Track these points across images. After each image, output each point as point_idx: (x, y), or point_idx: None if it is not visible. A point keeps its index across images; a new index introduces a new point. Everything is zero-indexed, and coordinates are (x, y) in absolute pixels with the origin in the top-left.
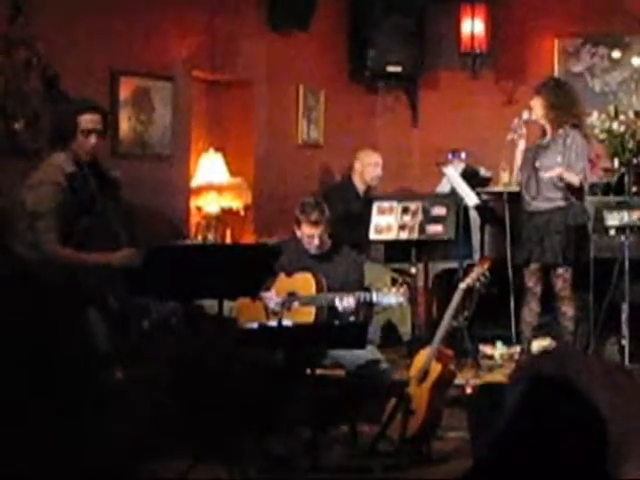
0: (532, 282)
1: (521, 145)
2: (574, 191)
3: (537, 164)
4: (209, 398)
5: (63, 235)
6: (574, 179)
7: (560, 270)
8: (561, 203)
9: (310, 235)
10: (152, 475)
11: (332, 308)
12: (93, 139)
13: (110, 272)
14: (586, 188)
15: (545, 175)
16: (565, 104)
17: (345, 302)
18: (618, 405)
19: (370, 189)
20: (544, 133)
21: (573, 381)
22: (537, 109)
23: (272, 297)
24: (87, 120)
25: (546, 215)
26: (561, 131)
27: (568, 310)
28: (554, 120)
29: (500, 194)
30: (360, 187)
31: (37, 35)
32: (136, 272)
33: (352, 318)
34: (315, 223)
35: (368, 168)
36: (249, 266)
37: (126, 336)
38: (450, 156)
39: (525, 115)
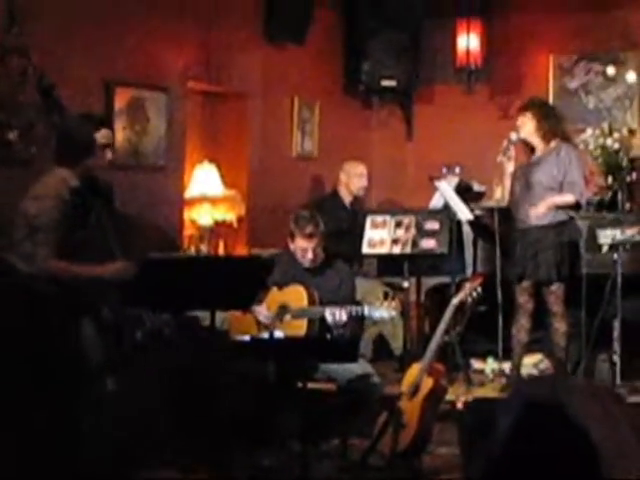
0: (523, 299)
1: (510, 167)
2: (568, 207)
3: (532, 179)
4: (200, 410)
5: (59, 247)
6: (569, 199)
7: (553, 286)
8: (555, 219)
9: (304, 248)
10: None
11: (324, 321)
12: (109, 154)
13: (103, 283)
14: (583, 203)
15: (532, 214)
16: (553, 117)
17: (337, 316)
18: (609, 431)
19: (357, 200)
20: (532, 152)
21: (565, 407)
22: (526, 126)
23: (263, 312)
24: (103, 135)
25: (541, 231)
26: (553, 144)
27: (560, 326)
28: (545, 134)
29: (493, 209)
30: (346, 198)
31: (32, 45)
32: (130, 283)
33: (342, 332)
34: (309, 236)
35: (354, 179)
36: (242, 279)
37: (119, 347)
38: (444, 170)
39: (513, 136)
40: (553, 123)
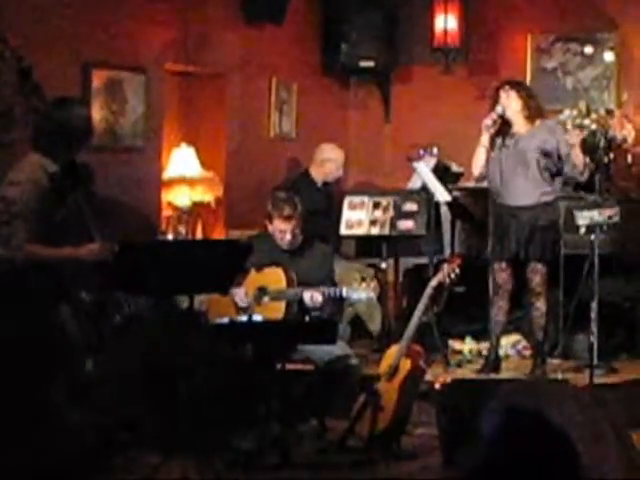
0: (502, 280)
1: (484, 140)
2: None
3: (525, 156)
4: (178, 393)
5: (36, 232)
6: (581, 161)
7: (539, 265)
8: (547, 198)
9: (282, 230)
10: (121, 472)
11: (302, 303)
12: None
13: (82, 266)
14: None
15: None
16: (535, 97)
17: (314, 298)
18: (591, 438)
19: (327, 182)
20: (506, 130)
21: (547, 413)
22: (513, 103)
23: (241, 296)
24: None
25: (535, 210)
26: (537, 122)
27: (542, 306)
28: (533, 111)
29: (471, 190)
30: (318, 179)
31: (8, 27)
32: (108, 267)
33: (320, 313)
34: (288, 218)
35: (330, 165)
36: (220, 262)
37: (97, 330)
38: (422, 151)
39: (499, 109)
40: (536, 103)
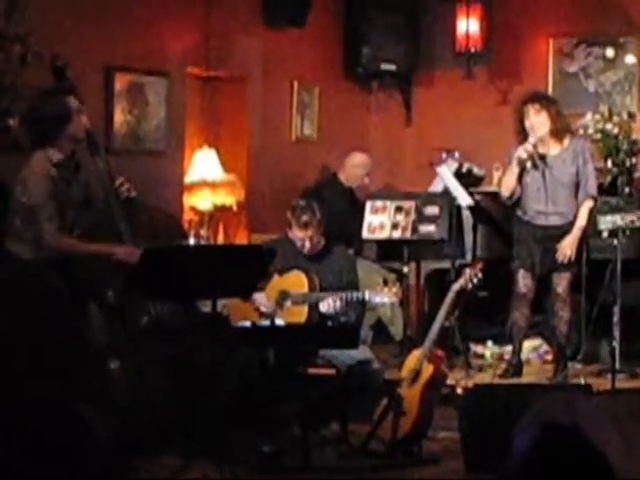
0: (526, 288)
1: (515, 168)
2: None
3: (555, 178)
4: (201, 396)
5: (65, 229)
6: (590, 204)
7: (566, 272)
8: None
9: (301, 237)
10: (143, 474)
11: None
12: (84, 118)
13: (110, 267)
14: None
15: (565, 254)
16: (562, 113)
17: (328, 305)
18: (626, 453)
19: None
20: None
21: (582, 427)
22: (544, 124)
23: (262, 301)
24: (72, 101)
25: (564, 229)
26: (567, 142)
27: (565, 314)
28: (561, 130)
29: (493, 194)
30: (345, 184)
31: (32, 30)
32: (133, 272)
33: (343, 318)
34: (305, 225)
35: (359, 171)
36: (244, 267)
37: (123, 331)
38: (444, 155)
39: (533, 140)
40: (564, 120)
